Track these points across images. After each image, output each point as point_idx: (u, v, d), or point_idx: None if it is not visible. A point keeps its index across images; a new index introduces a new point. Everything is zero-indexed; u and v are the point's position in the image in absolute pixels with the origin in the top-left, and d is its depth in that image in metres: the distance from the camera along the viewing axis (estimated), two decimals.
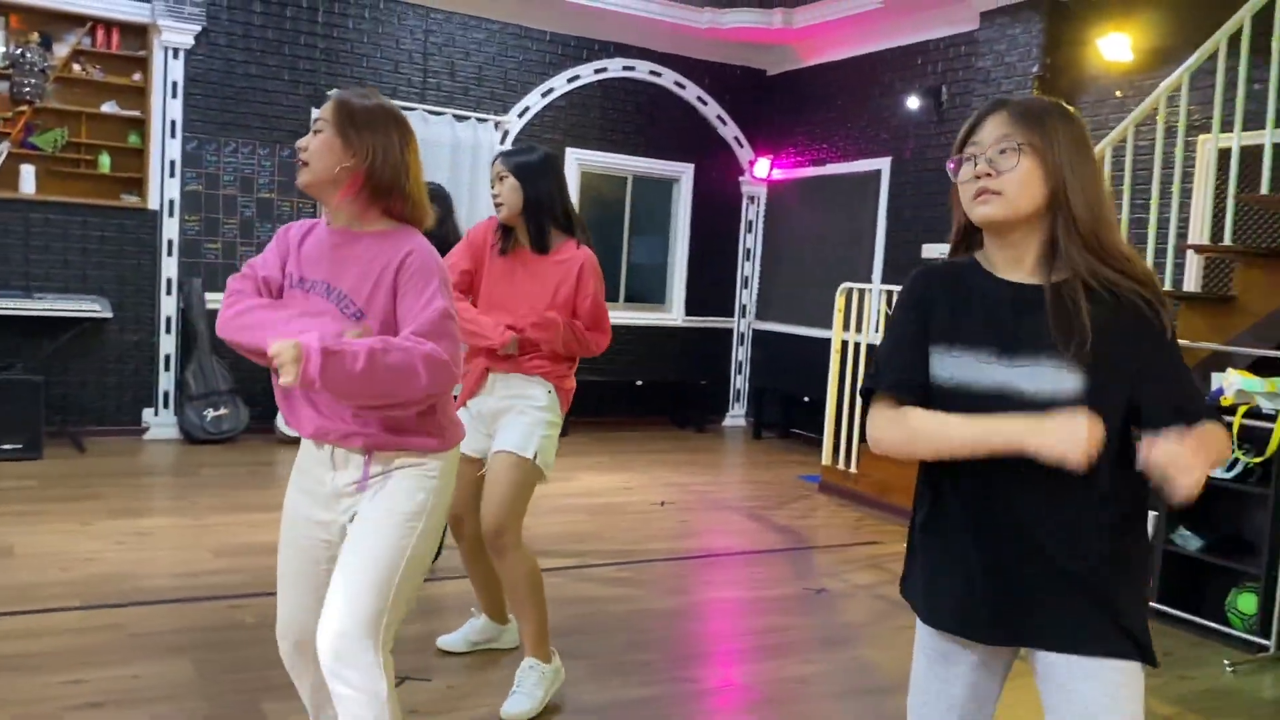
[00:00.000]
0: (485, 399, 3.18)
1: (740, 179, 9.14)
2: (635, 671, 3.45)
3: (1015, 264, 1.64)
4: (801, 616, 4.12)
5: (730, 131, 9.02)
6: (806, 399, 8.13)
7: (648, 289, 9.02)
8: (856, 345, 6.47)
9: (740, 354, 9.26)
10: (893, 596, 4.47)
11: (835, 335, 6.57)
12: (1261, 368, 4.29)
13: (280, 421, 7.03)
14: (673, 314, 8.98)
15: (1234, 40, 4.57)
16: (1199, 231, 5.62)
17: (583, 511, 5.59)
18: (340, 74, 7.37)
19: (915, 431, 1.61)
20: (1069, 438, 1.45)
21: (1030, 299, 1.59)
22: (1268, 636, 3.93)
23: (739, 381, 9.29)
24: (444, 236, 3.90)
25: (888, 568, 4.93)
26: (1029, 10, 6.48)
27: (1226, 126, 4.83)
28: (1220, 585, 4.29)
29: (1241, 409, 4.04)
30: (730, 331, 9.25)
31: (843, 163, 8.30)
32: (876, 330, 6.63)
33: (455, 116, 7.69)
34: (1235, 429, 4.02)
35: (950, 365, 1.63)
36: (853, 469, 6.41)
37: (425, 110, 7.58)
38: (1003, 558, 1.63)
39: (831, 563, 4.96)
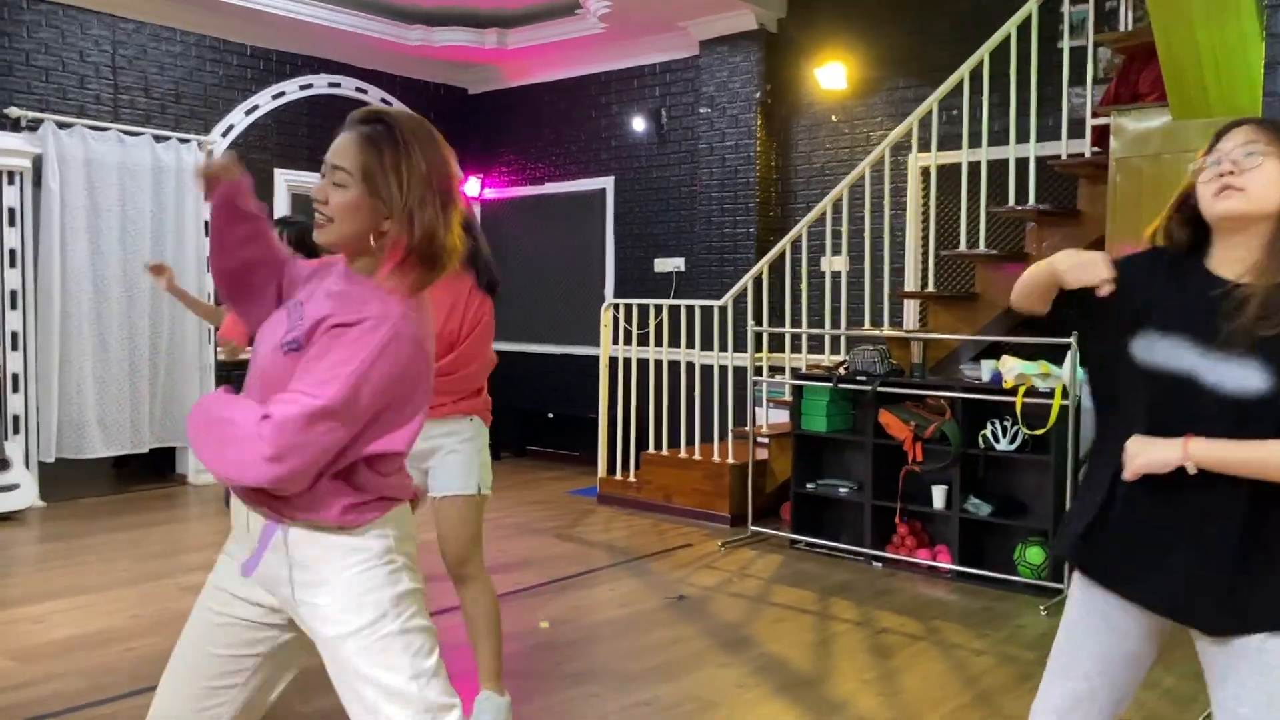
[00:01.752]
0: None
1: None
2: (584, 703, 3.41)
3: (1235, 263, 1.74)
4: (685, 625, 4.25)
5: None
6: (551, 415, 8.23)
7: None
8: (627, 360, 6.70)
9: None
10: (749, 593, 4.73)
11: (604, 350, 6.74)
12: (1018, 352, 5.07)
13: None
14: None
15: (974, 73, 5.32)
16: (915, 240, 6.46)
17: None
18: (17, 89, 6.36)
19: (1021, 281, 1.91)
20: (1083, 259, 1.78)
21: (1240, 296, 1.69)
22: (1060, 580, 4.66)
23: None
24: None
25: (719, 566, 5.18)
26: (747, 40, 7.05)
27: (927, 146, 5.65)
28: (1003, 544, 5.01)
29: (1021, 389, 4.75)
30: None
31: (563, 181, 8.49)
32: (629, 343, 6.89)
33: (155, 137, 6.91)
34: (1019, 407, 4.72)
35: (1145, 347, 1.76)
36: (631, 478, 6.62)
37: (121, 130, 6.75)
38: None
39: (666, 569, 5.13)
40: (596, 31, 7.55)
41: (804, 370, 5.82)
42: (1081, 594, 1.90)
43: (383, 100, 8.41)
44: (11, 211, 6.33)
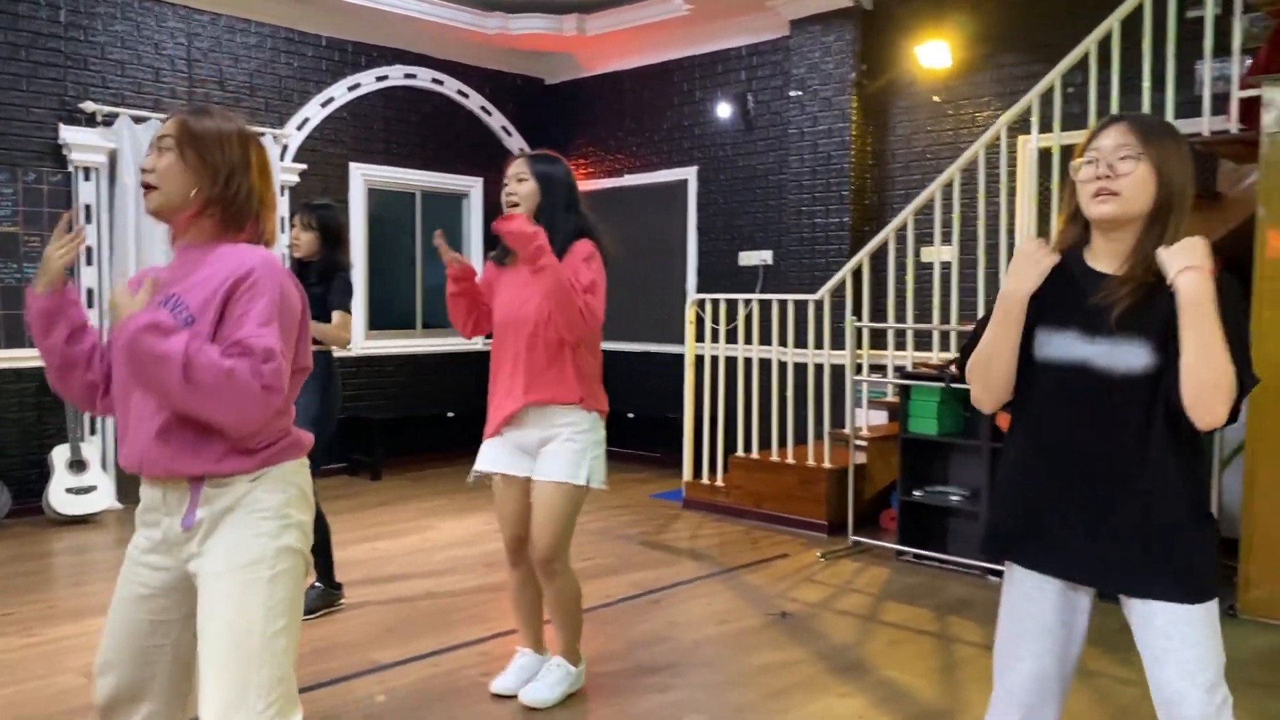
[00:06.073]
0: (523, 431, 3.20)
1: None
2: None
3: (1112, 258, 1.87)
4: (793, 647, 3.91)
5: (515, 143, 8.64)
6: (631, 415, 7.93)
7: (445, 313, 8.44)
8: (714, 358, 6.37)
9: None
10: (857, 610, 4.38)
11: (689, 348, 6.42)
12: None
13: (49, 498, 5.85)
14: (475, 339, 8.43)
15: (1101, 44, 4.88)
16: (1026, 226, 6.02)
17: (478, 564, 5.07)
18: (92, 83, 6.25)
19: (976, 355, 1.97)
20: (1018, 263, 1.87)
21: (1114, 287, 1.83)
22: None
23: None
24: (335, 263, 4.26)
25: (821, 580, 4.84)
26: (841, 18, 6.67)
27: (1046, 126, 5.22)
28: None
29: None
30: None
31: (643, 173, 8.18)
32: (716, 340, 6.54)
33: None
34: None
35: (1042, 343, 1.90)
36: (719, 481, 6.29)
37: None
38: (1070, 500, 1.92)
39: (764, 582, 4.79)
40: (680, 14, 7.23)
41: (910, 369, 5.42)
42: (1011, 577, 2.03)
43: (459, 92, 8.20)
44: (88, 208, 6.21)
